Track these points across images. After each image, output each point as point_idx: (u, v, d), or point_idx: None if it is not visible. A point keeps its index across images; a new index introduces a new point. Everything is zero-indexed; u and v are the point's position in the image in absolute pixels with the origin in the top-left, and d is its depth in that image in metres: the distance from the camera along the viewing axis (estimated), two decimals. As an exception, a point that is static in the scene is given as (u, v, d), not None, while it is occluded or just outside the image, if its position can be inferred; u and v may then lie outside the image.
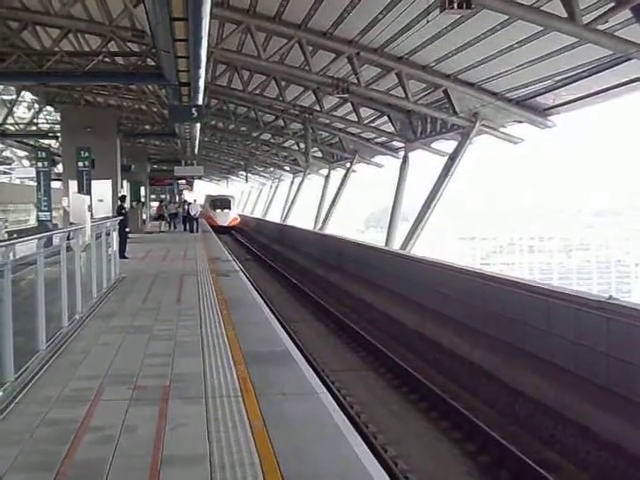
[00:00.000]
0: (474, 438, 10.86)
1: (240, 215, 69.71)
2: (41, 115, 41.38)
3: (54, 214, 34.41)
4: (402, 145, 29.51)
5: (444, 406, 12.30)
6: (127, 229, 23.72)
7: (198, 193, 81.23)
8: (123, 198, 27.21)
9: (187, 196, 69.55)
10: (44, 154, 34.32)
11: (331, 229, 41.75)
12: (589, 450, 9.84)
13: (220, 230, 54.21)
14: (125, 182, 40.17)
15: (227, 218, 63.93)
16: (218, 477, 5.12)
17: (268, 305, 16.16)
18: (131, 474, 5.23)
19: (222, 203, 65.33)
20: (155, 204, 63.54)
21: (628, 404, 9.70)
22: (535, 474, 9.12)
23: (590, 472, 9.53)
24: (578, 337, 11.05)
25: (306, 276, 31.15)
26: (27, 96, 38.96)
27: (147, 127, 41.32)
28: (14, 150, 53.85)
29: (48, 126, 41.54)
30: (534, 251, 73.56)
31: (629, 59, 14.52)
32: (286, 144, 45.11)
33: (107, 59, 21.02)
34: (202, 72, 17.43)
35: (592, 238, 74.18)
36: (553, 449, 10.42)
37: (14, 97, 37.01)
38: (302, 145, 39.17)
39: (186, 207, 43.65)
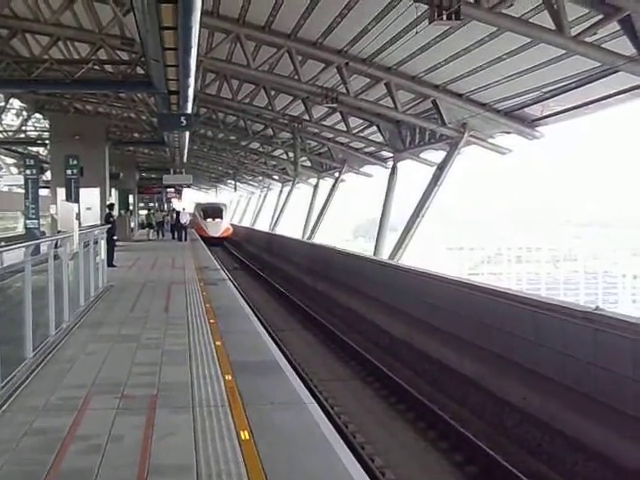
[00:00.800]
0: (462, 448, 10.86)
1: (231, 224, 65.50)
2: (30, 122, 41.34)
3: (42, 222, 34.30)
4: (391, 155, 29.57)
5: (432, 416, 12.31)
6: (115, 237, 23.64)
7: (187, 202, 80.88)
8: (111, 206, 27.16)
9: (176, 204, 68.81)
10: (32, 161, 34.21)
11: (319, 238, 41.75)
12: (577, 460, 9.87)
13: (211, 241, 50.56)
14: (114, 190, 40.11)
15: (219, 228, 59.18)
16: (205, 487, 5.11)
17: (256, 314, 16.16)
18: (118, 484, 5.21)
19: (213, 212, 60.36)
20: (144, 212, 62.81)
21: (615, 414, 9.72)
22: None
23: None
24: (565, 347, 11.08)
25: (295, 285, 31.13)
26: (16, 103, 38.88)
27: (136, 135, 41.29)
28: (2, 157, 53.66)
29: (36, 133, 41.48)
30: (522, 261, 73.79)
31: (617, 71, 14.60)
32: (275, 153, 45.13)
33: (96, 67, 21.00)
34: (191, 81, 17.43)
35: (580, 249, 74.48)
36: (540, 459, 10.44)
37: (2, 104, 36.89)
38: (291, 154, 39.19)
39: (174, 215, 43.47)
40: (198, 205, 66.46)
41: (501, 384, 12.71)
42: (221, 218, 60.41)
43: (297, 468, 5.47)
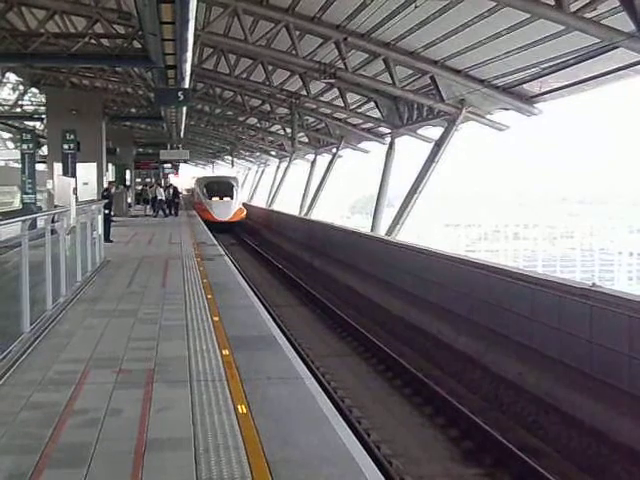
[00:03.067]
0: (458, 424, 10.92)
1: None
2: (26, 97, 41.10)
3: (39, 197, 34.21)
4: (388, 131, 29.49)
5: (428, 392, 12.36)
6: (111, 212, 23.58)
7: (182, 177, 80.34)
8: (111, 183, 27.26)
9: (172, 180, 67.90)
10: (29, 136, 33.97)
11: (317, 215, 41.74)
12: (572, 436, 9.92)
13: (219, 227, 40.62)
14: (110, 165, 39.97)
15: (229, 210, 46.58)
16: (202, 461, 5.13)
17: (253, 290, 16.17)
18: (116, 457, 5.23)
19: (221, 188, 47.90)
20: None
21: (611, 390, 9.77)
22: (518, 460, 9.18)
23: (573, 458, 9.60)
24: (561, 324, 11.12)
25: (292, 262, 31.16)
26: (12, 77, 38.63)
27: (133, 110, 41.14)
28: (-2, 132, 53.49)
29: (33, 108, 41.29)
30: (519, 238, 73.72)
31: (615, 47, 14.53)
32: (272, 129, 44.96)
33: (93, 41, 20.86)
34: (189, 55, 17.33)
35: (577, 226, 74.46)
36: (536, 435, 10.50)
37: (-1, 78, 36.74)
38: (288, 130, 39.00)
39: (171, 191, 43.04)
40: (200, 180, 53.94)
41: (497, 360, 12.76)
42: (231, 197, 47.75)
43: (294, 442, 5.49)
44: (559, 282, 11.73)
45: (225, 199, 47.16)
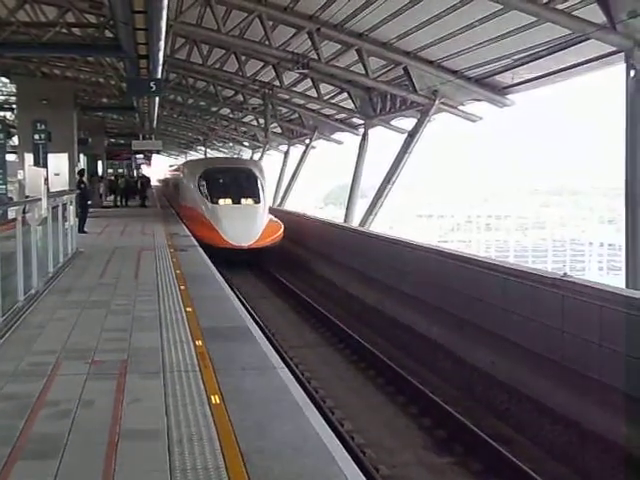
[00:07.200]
0: (430, 413, 10.99)
1: None
2: (-5, 87, 40.73)
3: (9, 187, 33.88)
4: (362, 122, 29.49)
5: (401, 382, 12.43)
6: (89, 202, 23.37)
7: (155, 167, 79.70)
8: (82, 172, 26.74)
9: (145, 170, 67.53)
10: (-1, 126, 33.75)
11: (290, 205, 41.73)
12: (543, 425, 10.02)
13: (233, 256, 24.35)
14: (82, 156, 39.65)
15: (254, 224, 25.92)
16: (176, 451, 5.12)
17: (227, 281, 16.15)
18: (89, 448, 5.21)
19: (234, 182, 28.21)
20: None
21: (582, 379, 9.87)
22: (489, 448, 9.26)
23: (544, 446, 9.70)
24: (533, 314, 11.20)
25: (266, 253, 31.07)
26: (-19, 67, 38.23)
27: (105, 100, 40.82)
28: (-33, 122, 52.82)
29: (3, 98, 40.88)
30: (491, 229, 74.21)
31: (587, 39, 14.63)
32: (245, 119, 44.83)
33: (64, 30, 20.63)
34: (161, 45, 17.22)
35: (548, 217, 75.08)
36: (508, 424, 10.59)
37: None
38: (261, 120, 38.95)
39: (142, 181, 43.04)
40: (192, 166, 33.98)
41: (470, 350, 12.84)
42: (256, 199, 27.61)
43: (268, 432, 5.50)
44: (531, 272, 11.82)
45: (245, 202, 27.36)
